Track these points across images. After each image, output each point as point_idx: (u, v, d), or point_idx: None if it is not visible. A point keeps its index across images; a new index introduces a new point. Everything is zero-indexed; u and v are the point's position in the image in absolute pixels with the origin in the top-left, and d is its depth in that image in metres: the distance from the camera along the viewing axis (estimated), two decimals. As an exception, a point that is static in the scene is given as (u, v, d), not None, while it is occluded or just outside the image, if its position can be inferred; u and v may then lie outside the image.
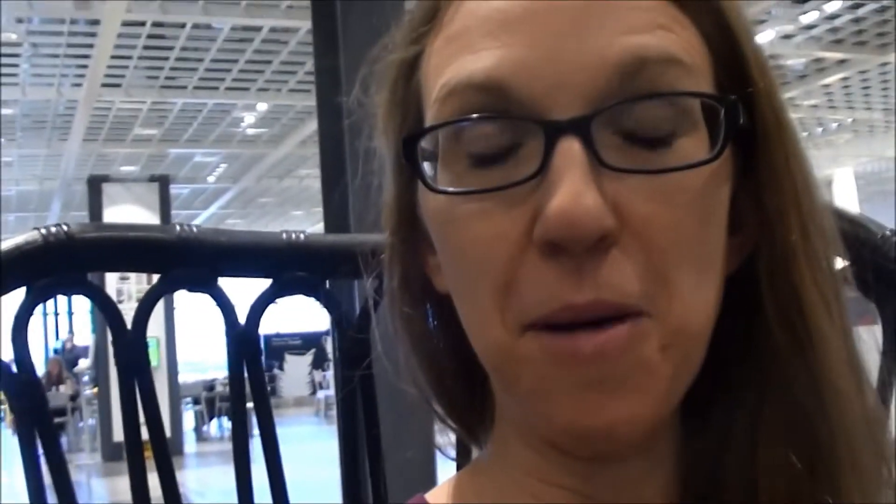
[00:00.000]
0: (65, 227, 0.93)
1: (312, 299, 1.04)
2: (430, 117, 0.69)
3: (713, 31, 0.68)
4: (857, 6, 10.90)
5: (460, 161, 0.66)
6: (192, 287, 0.99)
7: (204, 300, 1.00)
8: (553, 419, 0.65)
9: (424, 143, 0.68)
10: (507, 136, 0.65)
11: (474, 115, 0.65)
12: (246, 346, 1.03)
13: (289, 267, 1.02)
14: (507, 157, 0.65)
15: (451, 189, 0.66)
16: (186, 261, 0.97)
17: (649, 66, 0.63)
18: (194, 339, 22.29)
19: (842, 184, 20.99)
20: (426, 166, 0.69)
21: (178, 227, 0.97)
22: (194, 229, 0.98)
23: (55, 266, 0.93)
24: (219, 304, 1.01)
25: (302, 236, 1.02)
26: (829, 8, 10.84)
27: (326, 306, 1.05)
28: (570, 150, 0.62)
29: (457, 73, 0.66)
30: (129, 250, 0.97)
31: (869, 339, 0.76)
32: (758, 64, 0.69)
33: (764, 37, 10.64)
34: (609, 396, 0.63)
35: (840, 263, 0.76)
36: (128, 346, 1.00)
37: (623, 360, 0.63)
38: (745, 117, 0.67)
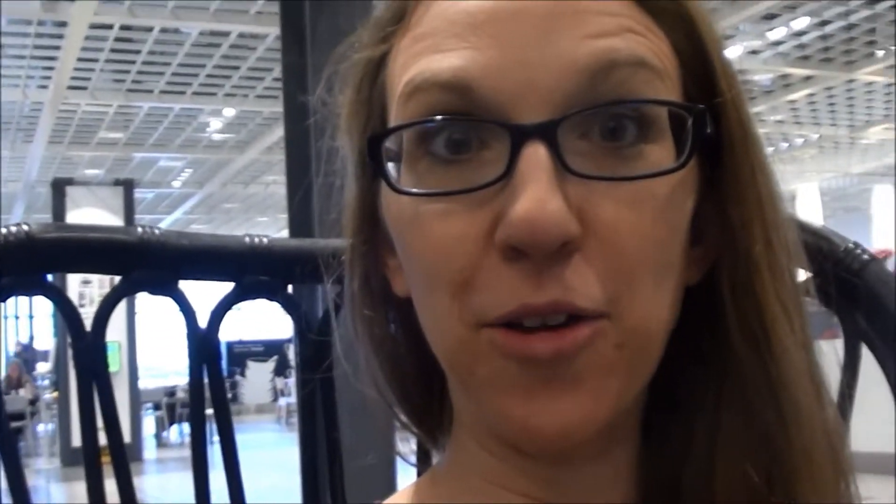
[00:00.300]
0: (25, 227, 0.92)
1: (274, 303, 1.03)
2: (394, 114, 0.69)
3: (683, 40, 0.68)
4: (824, 23, 11.00)
5: (424, 161, 0.66)
6: (154, 290, 0.98)
7: (165, 304, 0.99)
8: (507, 416, 0.65)
9: (389, 143, 0.68)
10: (473, 138, 0.65)
11: (440, 117, 0.65)
12: (206, 349, 1.02)
13: (251, 271, 1.01)
14: (471, 159, 0.65)
15: (414, 190, 0.66)
16: (148, 263, 0.97)
17: (618, 68, 0.63)
18: (156, 344, 22.19)
19: (806, 199, 21.16)
20: (390, 167, 0.68)
21: (139, 229, 0.97)
22: (156, 231, 0.97)
23: (15, 266, 0.92)
24: (180, 308, 1.01)
25: (265, 240, 1.02)
26: (797, 25, 10.93)
27: (287, 310, 1.04)
28: (536, 154, 0.61)
29: (422, 71, 0.65)
30: (90, 251, 0.96)
31: (830, 352, 0.76)
32: (726, 75, 0.69)
33: (732, 52, 10.68)
34: (563, 395, 0.63)
35: (803, 275, 0.76)
36: (87, 349, 0.98)
37: (579, 359, 0.63)
38: (712, 128, 0.67)
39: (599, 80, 0.63)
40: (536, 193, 0.60)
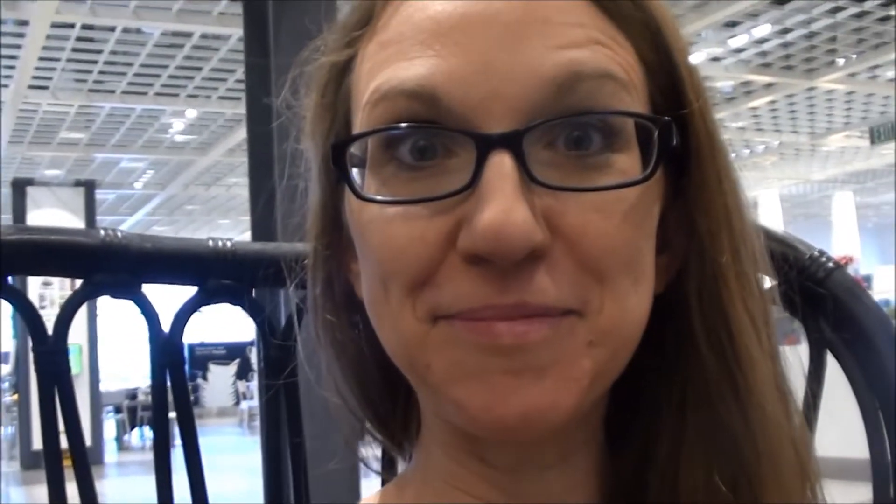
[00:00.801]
0: (-15, 230, 0.91)
1: (237, 307, 1.03)
2: (359, 121, 0.68)
3: (649, 50, 0.68)
4: (785, 31, 11.08)
5: (389, 166, 0.65)
6: (116, 293, 0.97)
7: (128, 307, 0.98)
8: (466, 406, 0.64)
9: (353, 149, 0.68)
10: (439, 145, 0.64)
11: (405, 125, 0.64)
12: (169, 354, 1.01)
13: (214, 274, 1.00)
14: (436, 165, 0.64)
15: (378, 198, 0.65)
16: (110, 266, 0.95)
17: (585, 80, 0.63)
18: (118, 346, 22.01)
19: (767, 206, 21.29)
20: (354, 172, 0.68)
21: (102, 232, 0.95)
22: (119, 234, 0.96)
23: (-26, 269, 0.91)
24: (142, 311, 1.00)
25: (228, 244, 1.01)
26: (759, 32, 11.01)
27: (251, 314, 1.03)
28: (501, 164, 0.61)
29: (389, 79, 0.65)
30: (52, 254, 0.94)
31: (794, 359, 0.76)
32: (693, 85, 0.69)
33: (693, 58, 10.76)
34: (527, 382, 0.62)
35: (768, 283, 0.76)
36: (48, 353, 0.97)
37: (544, 351, 0.62)
38: (679, 137, 0.67)
39: (565, 92, 0.63)
40: (501, 203, 0.60)
